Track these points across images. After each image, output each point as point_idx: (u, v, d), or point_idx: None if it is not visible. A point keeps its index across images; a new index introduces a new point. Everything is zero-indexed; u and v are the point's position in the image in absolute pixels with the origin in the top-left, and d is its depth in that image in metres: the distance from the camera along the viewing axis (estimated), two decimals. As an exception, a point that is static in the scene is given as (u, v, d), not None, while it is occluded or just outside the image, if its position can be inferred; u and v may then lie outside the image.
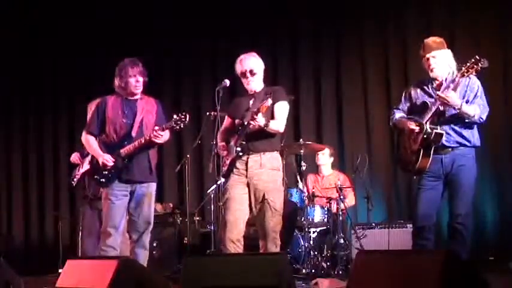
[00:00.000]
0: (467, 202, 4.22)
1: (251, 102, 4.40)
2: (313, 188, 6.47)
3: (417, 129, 4.25)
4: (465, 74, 4.04)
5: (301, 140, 6.16)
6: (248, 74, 4.39)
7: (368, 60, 7.33)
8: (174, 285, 4.14)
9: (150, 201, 4.55)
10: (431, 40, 4.35)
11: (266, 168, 4.31)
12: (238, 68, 4.44)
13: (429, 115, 4.17)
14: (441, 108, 4.18)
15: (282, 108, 4.37)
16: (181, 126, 4.38)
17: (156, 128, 4.38)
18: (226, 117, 4.59)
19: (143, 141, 4.40)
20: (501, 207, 6.51)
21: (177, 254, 6.31)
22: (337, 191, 6.06)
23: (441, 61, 4.27)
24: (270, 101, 4.11)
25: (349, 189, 6.46)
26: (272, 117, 4.31)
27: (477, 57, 3.99)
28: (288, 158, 6.16)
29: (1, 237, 8.27)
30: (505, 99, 6.59)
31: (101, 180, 4.49)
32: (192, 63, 8.08)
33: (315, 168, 6.72)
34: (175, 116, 4.38)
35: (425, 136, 4.16)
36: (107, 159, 4.43)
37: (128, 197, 4.49)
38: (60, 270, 5.83)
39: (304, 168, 6.03)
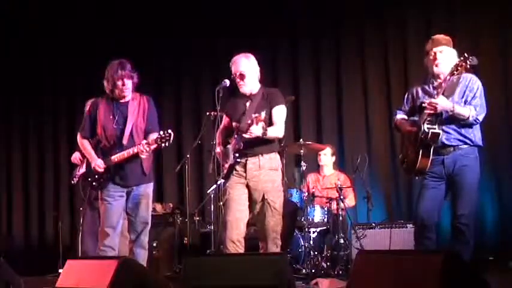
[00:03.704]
0: (471, 202, 4.19)
1: (247, 104, 4.41)
2: (313, 188, 6.47)
3: (414, 129, 4.26)
4: (454, 72, 4.03)
5: (301, 140, 6.16)
6: (237, 78, 4.40)
7: (368, 60, 7.32)
8: (174, 285, 4.13)
9: (147, 201, 4.56)
10: (440, 36, 4.35)
11: (265, 169, 4.32)
12: (232, 70, 4.45)
13: (426, 115, 4.17)
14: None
15: (280, 113, 4.37)
16: (166, 144, 4.37)
17: (144, 142, 4.39)
18: (223, 116, 4.58)
19: (132, 152, 4.41)
20: (501, 207, 6.50)
21: (177, 254, 6.31)
22: (337, 191, 6.05)
23: (447, 58, 4.25)
24: (263, 114, 4.09)
25: (349, 190, 6.45)
26: (270, 122, 4.31)
27: (465, 54, 3.98)
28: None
29: (1, 237, 8.27)
30: (504, 99, 6.59)
31: (94, 183, 4.53)
32: (192, 63, 8.08)
33: (316, 168, 6.72)
34: (161, 133, 4.37)
35: (422, 136, 4.15)
36: (99, 165, 4.46)
37: (124, 198, 4.51)
38: (60, 270, 5.84)
39: (304, 168, 6.03)
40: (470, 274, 2.87)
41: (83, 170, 5.38)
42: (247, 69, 4.40)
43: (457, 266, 2.83)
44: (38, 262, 7.13)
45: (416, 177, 4.40)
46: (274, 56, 7.61)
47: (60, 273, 4.19)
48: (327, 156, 6.59)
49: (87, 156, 4.64)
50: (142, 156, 4.43)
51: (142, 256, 4.51)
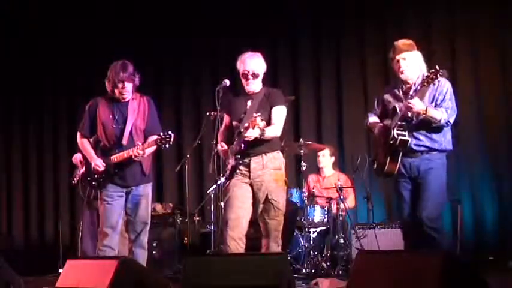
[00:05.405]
0: (435, 204, 4.16)
1: (249, 103, 4.38)
2: (313, 188, 6.47)
3: (383, 134, 4.30)
4: (425, 84, 4.07)
5: (301, 140, 6.16)
6: (250, 76, 4.36)
7: (368, 60, 7.32)
8: (174, 285, 4.14)
9: (147, 201, 4.56)
10: (401, 42, 4.40)
11: (268, 169, 4.30)
12: (240, 67, 4.40)
13: (397, 120, 4.19)
14: (409, 114, 4.19)
15: (279, 113, 4.36)
16: (166, 146, 4.36)
17: (139, 144, 4.39)
18: (224, 115, 4.55)
19: (131, 153, 4.40)
20: (501, 207, 6.51)
21: (177, 254, 6.31)
22: (337, 192, 6.05)
23: (411, 63, 4.30)
24: (259, 120, 4.05)
25: (349, 191, 6.45)
26: (269, 121, 4.31)
27: (437, 67, 4.01)
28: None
29: (1, 237, 8.28)
30: (504, 99, 6.59)
31: (93, 183, 4.53)
32: (192, 63, 8.08)
33: (316, 168, 6.72)
34: (161, 134, 4.36)
35: (391, 142, 4.19)
36: (98, 165, 4.45)
37: (123, 198, 4.51)
38: (60, 270, 5.85)
39: (304, 168, 6.02)
40: (470, 274, 2.87)
41: (83, 170, 5.39)
42: (260, 68, 4.39)
43: (457, 266, 2.83)
44: (38, 262, 7.13)
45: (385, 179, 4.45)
46: (274, 56, 7.60)
47: (60, 273, 4.19)
48: (325, 158, 6.59)
49: (86, 155, 4.64)
50: (137, 160, 4.43)
51: (142, 256, 4.51)
